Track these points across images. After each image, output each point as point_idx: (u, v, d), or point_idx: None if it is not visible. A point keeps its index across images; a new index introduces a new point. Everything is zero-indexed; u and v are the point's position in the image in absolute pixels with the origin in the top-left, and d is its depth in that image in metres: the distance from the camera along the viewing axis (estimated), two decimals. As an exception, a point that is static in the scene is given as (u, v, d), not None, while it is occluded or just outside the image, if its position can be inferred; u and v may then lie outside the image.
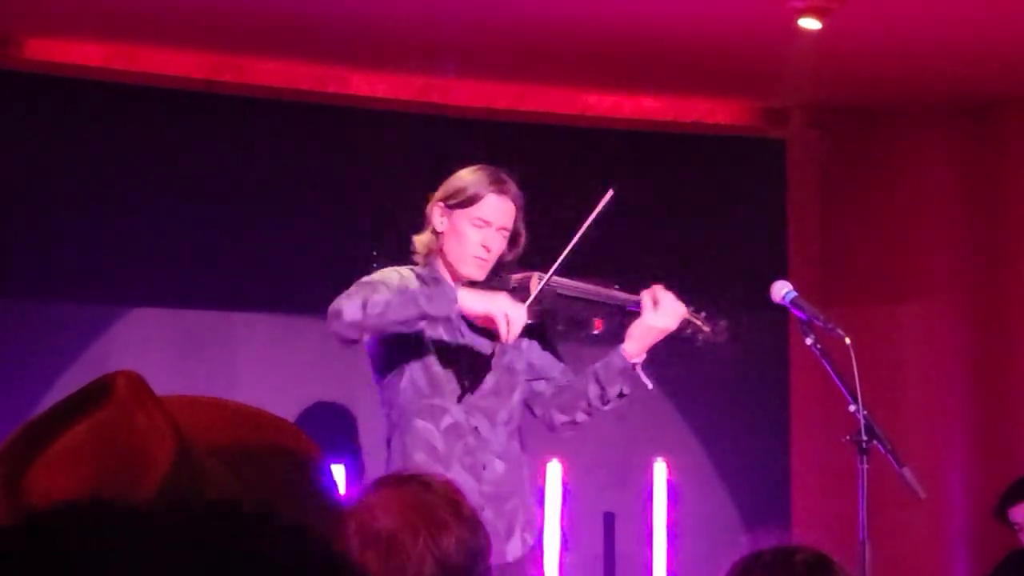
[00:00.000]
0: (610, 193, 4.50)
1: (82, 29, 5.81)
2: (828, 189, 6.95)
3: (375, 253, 6.31)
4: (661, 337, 4.46)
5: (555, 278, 4.45)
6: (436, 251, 4.50)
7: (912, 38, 5.79)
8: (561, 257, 4.42)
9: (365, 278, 4.39)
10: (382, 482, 2.28)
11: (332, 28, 5.71)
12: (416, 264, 4.53)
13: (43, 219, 5.86)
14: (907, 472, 4.45)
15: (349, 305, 4.20)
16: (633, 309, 4.47)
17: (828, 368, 4.51)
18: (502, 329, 4.20)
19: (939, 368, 6.75)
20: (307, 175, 6.25)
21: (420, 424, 4.39)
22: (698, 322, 4.52)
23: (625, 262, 6.00)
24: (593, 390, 4.48)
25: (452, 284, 4.36)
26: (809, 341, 4.56)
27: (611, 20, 5.61)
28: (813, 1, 5.28)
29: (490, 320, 4.23)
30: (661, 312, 4.42)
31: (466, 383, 4.43)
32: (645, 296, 4.44)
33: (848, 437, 4.48)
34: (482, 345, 4.48)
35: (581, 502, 6.25)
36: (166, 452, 1.02)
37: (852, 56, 6.00)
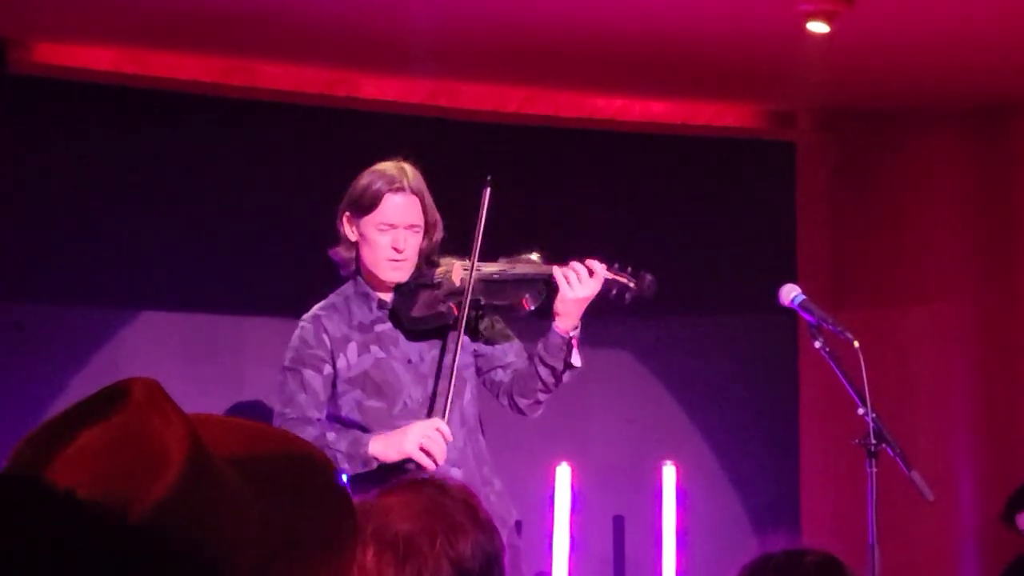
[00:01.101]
0: (487, 188, 4.43)
1: (91, 33, 5.82)
2: (837, 192, 6.95)
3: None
4: (586, 304, 4.39)
5: (477, 264, 4.40)
6: (355, 262, 4.48)
7: (920, 41, 5.78)
8: (474, 255, 4.37)
9: (287, 361, 4.39)
10: (397, 485, 2.28)
11: (341, 32, 5.72)
12: (344, 278, 4.51)
13: (53, 222, 5.87)
14: (916, 475, 4.45)
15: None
16: (556, 284, 4.41)
17: (837, 371, 4.51)
18: (425, 463, 4.18)
19: (948, 371, 6.75)
20: (316, 178, 6.25)
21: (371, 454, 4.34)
22: (623, 279, 4.45)
23: (632, 264, 5.99)
24: (543, 371, 4.43)
25: (364, 441, 4.30)
26: (818, 344, 4.56)
27: (619, 23, 5.61)
28: (821, 4, 5.29)
29: (410, 456, 4.21)
30: (575, 284, 4.36)
31: (406, 401, 4.39)
32: (556, 271, 4.38)
33: (857, 440, 4.48)
34: (420, 352, 4.45)
35: (590, 505, 6.25)
36: (180, 455, 1.03)
37: (861, 59, 6.00)
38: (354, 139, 6.30)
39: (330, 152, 6.27)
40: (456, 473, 4.37)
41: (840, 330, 4.54)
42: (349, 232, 4.46)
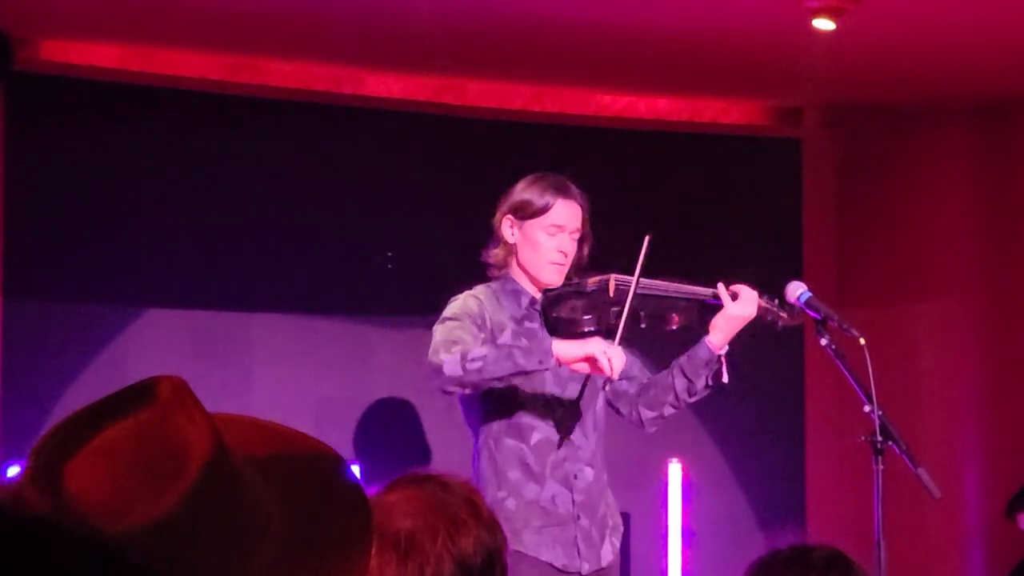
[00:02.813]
0: (647, 243, 4.55)
1: (97, 30, 5.83)
2: (843, 189, 6.95)
3: (390, 254, 6.34)
4: (742, 326, 4.57)
5: (640, 279, 4.54)
6: (510, 263, 4.58)
7: (927, 37, 5.78)
8: (639, 264, 4.49)
9: (448, 315, 4.44)
10: (400, 482, 2.28)
11: (347, 29, 5.72)
12: (491, 278, 4.61)
13: (58, 220, 5.87)
14: (922, 472, 4.45)
15: (449, 360, 4.28)
16: (712, 303, 4.59)
17: (843, 368, 4.51)
18: (605, 368, 4.28)
19: (954, 368, 6.74)
20: (322, 175, 6.26)
21: (510, 443, 4.48)
22: (774, 309, 4.65)
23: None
24: (680, 383, 4.58)
25: (545, 335, 4.43)
26: (824, 341, 4.56)
27: (626, 21, 5.61)
28: (828, 1, 5.28)
29: (592, 362, 4.31)
30: (741, 302, 4.55)
31: (552, 396, 4.49)
32: (721, 289, 4.58)
33: (863, 437, 4.48)
34: None
35: (596, 502, 6.25)
36: (203, 454, 1.03)
37: (867, 56, 6.00)
38: (361, 136, 6.31)
39: (337, 149, 6.27)
40: (588, 472, 4.55)
41: (846, 327, 4.54)
42: (509, 234, 4.55)
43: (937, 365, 6.76)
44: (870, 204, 6.92)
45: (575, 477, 4.52)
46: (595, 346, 4.31)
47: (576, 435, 4.54)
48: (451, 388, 4.34)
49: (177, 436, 1.04)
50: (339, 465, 1.15)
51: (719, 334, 4.55)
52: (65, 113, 5.92)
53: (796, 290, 4.67)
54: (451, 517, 2.18)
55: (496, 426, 4.48)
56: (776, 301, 4.67)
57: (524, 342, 4.40)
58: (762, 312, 4.60)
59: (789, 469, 6.75)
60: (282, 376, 6.10)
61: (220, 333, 6.08)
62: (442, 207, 6.24)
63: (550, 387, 4.48)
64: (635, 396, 4.63)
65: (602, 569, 4.52)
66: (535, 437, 4.48)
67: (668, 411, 4.65)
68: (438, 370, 4.29)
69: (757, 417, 6.69)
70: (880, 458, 4.44)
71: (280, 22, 5.65)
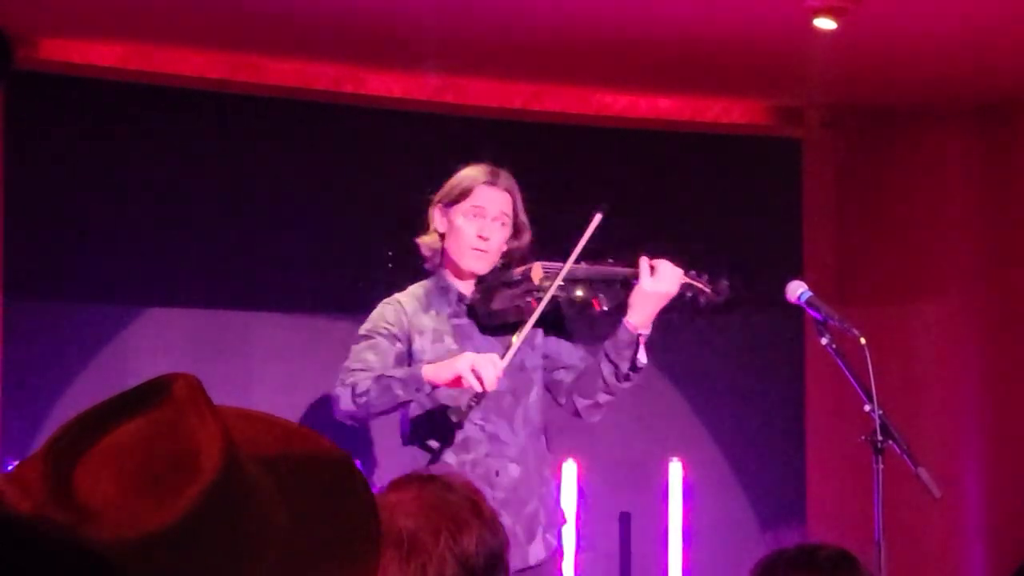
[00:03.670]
0: (598, 216, 4.49)
1: (98, 29, 5.83)
2: (844, 189, 6.95)
3: (391, 253, 6.33)
4: (663, 303, 4.45)
5: (554, 265, 4.46)
6: (441, 254, 4.54)
7: (928, 37, 5.78)
8: (563, 273, 4.43)
9: (363, 331, 4.43)
10: (402, 481, 2.28)
11: (348, 28, 5.72)
12: (427, 269, 4.57)
13: (58, 219, 5.87)
14: (922, 472, 4.45)
15: (343, 395, 4.31)
16: (635, 281, 4.47)
17: (843, 368, 4.51)
18: (473, 385, 4.19)
19: (955, 368, 6.74)
20: (322, 175, 6.26)
21: (432, 444, 4.41)
22: (699, 284, 4.52)
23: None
24: (607, 368, 4.46)
25: (419, 365, 4.33)
26: (824, 341, 4.56)
27: (626, 20, 5.61)
28: (829, 1, 5.28)
29: (459, 382, 4.22)
30: (658, 277, 4.43)
31: (474, 395, 4.36)
32: (643, 263, 4.45)
33: (863, 437, 4.48)
34: (492, 347, 4.46)
35: (597, 502, 6.25)
36: (214, 458, 1.03)
37: (868, 56, 5.99)
38: (361, 135, 6.31)
39: (337, 148, 6.27)
40: (514, 469, 4.44)
41: (847, 327, 4.53)
42: (439, 223, 4.54)
43: (937, 365, 6.76)
44: (871, 204, 6.92)
45: (497, 474, 4.41)
46: (461, 365, 4.21)
47: (502, 430, 4.44)
48: (349, 421, 4.36)
49: (189, 439, 1.04)
50: (349, 466, 1.14)
51: (636, 313, 4.42)
52: (66, 112, 5.91)
53: (797, 289, 4.67)
54: (454, 517, 2.17)
55: (422, 427, 4.41)
56: (706, 277, 4.54)
57: (400, 370, 4.31)
58: (683, 288, 4.47)
59: (789, 468, 6.75)
60: (283, 376, 6.10)
61: (221, 332, 6.08)
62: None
63: (421, 398, 4.37)
64: (570, 385, 4.54)
65: (530, 568, 4.41)
66: (458, 436, 4.41)
67: (603, 398, 4.52)
68: (335, 401, 4.33)
69: (758, 416, 6.69)
70: (880, 457, 4.44)
71: (281, 21, 5.65)
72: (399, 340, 4.42)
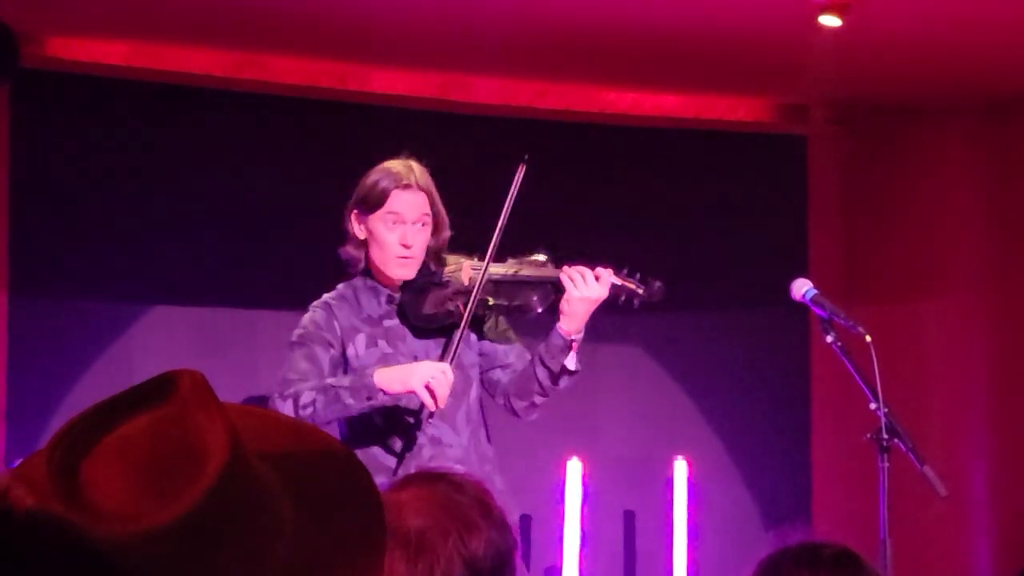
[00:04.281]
0: (522, 168, 4.41)
1: (104, 27, 5.83)
2: (849, 186, 6.94)
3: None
4: (593, 308, 4.36)
5: (488, 264, 4.38)
6: (365, 259, 4.47)
7: (933, 34, 5.77)
8: (492, 246, 4.35)
9: (295, 338, 4.37)
10: (411, 480, 2.27)
11: (353, 26, 5.72)
12: (355, 275, 4.50)
13: (64, 216, 5.88)
14: (928, 470, 4.45)
15: (284, 407, 4.22)
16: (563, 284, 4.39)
17: (849, 366, 4.51)
18: (427, 402, 4.17)
19: (961, 365, 6.73)
20: (327, 172, 6.26)
21: (374, 450, 4.34)
22: (631, 285, 4.42)
23: (645, 259, 5.99)
24: (541, 372, 4.40)
25: (368, 372, 4.27)
26: (830, 339, 4.55)
27: (632, 17, 5.60)
28: (834, -2, 5.28)
29: (414, 393, 4.20)
30: (584, 285, 4.34)
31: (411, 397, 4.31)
32: (563, 274, 4.37)
33: (869, 435, 4.48)
34: (426, 349, 4.42)
35: (601, 500, 6.25)
36: (220, 453, 1.03)
37: (873, 52, 5.99)
38: (365, 133, 6.30)
39: (341, 146, 6.27)
40: (459, 470, 4.34)
41: (852, 324, 4.53)
42: (357, 230, 4.46)
43: (943, 362, 6.75)
44: (876, 201, 6.91)
45: None
46: (416, 380, 4.18)
47: (445, 433, 4.38)
48: None
49: (195, 435, 1.04)
50: (353, 461, 1.14)
51: (567, 319, 4.36)
52: (71, 110, 5.92)
53: (802, 287, 4.67)
54: (463, 518, 2.17)
55: (361, 431, 4.34)
56: (636, 276, 4.44)
57: (346, 378, 4.26)
58: (615, 291, 4.39)
59: (795, 466, 6.75)
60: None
61: (226, 330, 6.08)
62: (446, 204, 6.23)
63: (373, 405, 4.30)
64: (506, 385, 4.48)
65: None
66: (399, 443, 4.35)
67: (538, 400, 4.45)
68: None
69: (763, 414, 6.69)
70: (886, 456, 4.44)
71: (286, 19, 5.65)
72: (332, 345, 4.36)
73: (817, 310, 4.63)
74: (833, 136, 6.91)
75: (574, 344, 4.38)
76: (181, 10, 5.58)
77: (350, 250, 4.50)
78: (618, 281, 4.40)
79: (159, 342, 5.94)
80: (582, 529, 5.86)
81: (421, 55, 6.01)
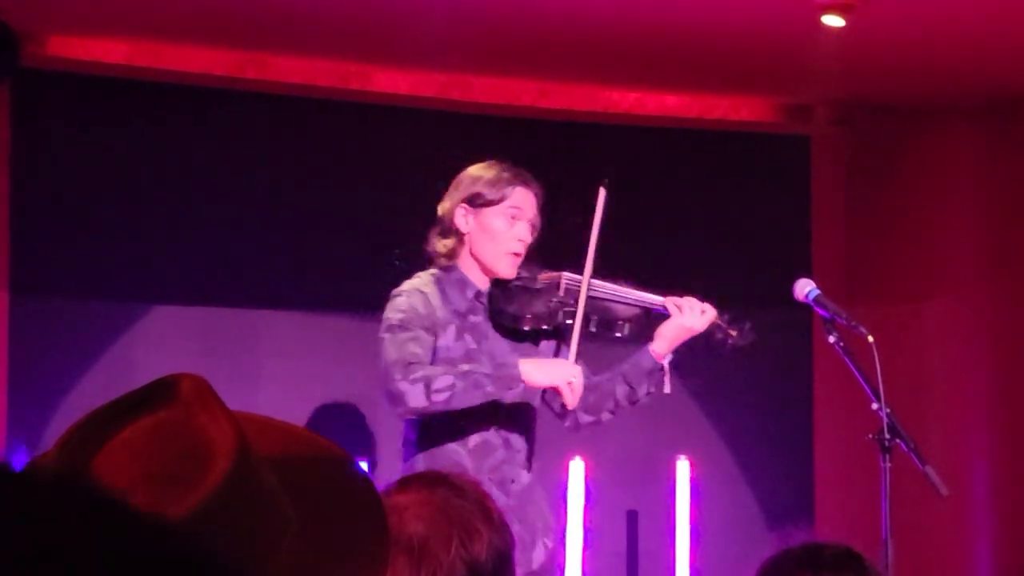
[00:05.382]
0: (603, 191, 4.47)
1: (105, 26, 5.83)
2: (852, 186, 6.93)
3: (397, 251, 6.33)
4: (688, 337, 4.47)
5: (591, 281, 4.45)
6: (460, 253, 4.45)
7: (936, 34, 5.77)
8: (589, 260, 4.42)
9: (396, 321, 4.28)
10: (411, 482, 2.26)
11: (354, 25, 5.72)
12: (434, 267, 4.49)
13: (65, 216, 5.87)
14: (930, 470, 4.44)
15: (412, 391, 4.15)
16: (659, 311, 4.48)
17: (851, 366, 4.50)
18: (568, 399, 4.25)
19: (963, 366, 6.73)
20: (328, 172, 6.26)
21: (450, 447, 4.35)
22: (726, 327, 4.54)
23: (648, 260, 5.99)
24: (621, 390, 4.47)
25: (511, 361, 4.31)
26: (832, 339, 4.55)
27: (634, 17, 5.60)
28: (836, -2, 5.28)
29: (555, 390, 4.27)
30: (692, 314, 4.44)
31: (493, 400, 4.33)
32: (669, 302, 4.47)
33: (871, 435, 4.47)
34: (503, 353, 4.43)
35: (604, 500, 6.25)
36: (228, 453, 1.02)
37: (876, 52, 5.98)
38: (367, 132, 6.31)
39: (343, 145, 6.27)
40: (524, 476, 4.44)
41: (854, 325, 4.52)
42: (462, 223, 4.42)
43: (946, 363, 6.75)
44: (879, 201, 6.91)
45: (512, 481, 4.39)
46: (561, 377, 4.24)
47: (515, 438, 4.41)
48: (414, 417, 4.25)
49: (201, 435, 1.04)
50: (352, 466, 1.14)
51: (663, 342, 4.44)
52: (72, 109, 5.91)
53: (804, 287, 4.66)
54: (464, 523, 2.17)
55: (435, 427, 4.33)
56: (726, 317, 4.54)
57: (487, 366, 4.26)
58: (712, 328, 4.49)
59: (797, 466, 6.74)
60: (289, 374, 6.10)
61: (227, 330, 6.08)
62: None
63: (509, 396, 4.34)
64: None
65: (532, 572, 4.40)
66: (474, 440, 4.35)
67: (606, 416, 4.54)
68: (398, 399, 4.17)
69: (765, 414, 6.68)
70: (888, 456, 4.43)
71: (287, 18, 5.65)
72: (431, 331, 4.33)
73: (819, 310, 4.62)
74: (836, 136, 6.91)
75: (665, 367, 4.46)
76: (182, 9, 5.58)
77: (446, 242, 4.45)
78: (717, 321, 4.50)
79: (161, 342, 5.94)
80: (585, 529, 5.85)
81: (423, 55, 6.01)
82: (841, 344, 4.53)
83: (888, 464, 4.44)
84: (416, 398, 4.14)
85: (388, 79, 6.33)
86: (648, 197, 6.61)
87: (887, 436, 4.43)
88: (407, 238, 6.28)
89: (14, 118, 5.79)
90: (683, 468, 6.28)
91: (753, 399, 6.65)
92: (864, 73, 6.29)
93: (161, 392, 1.07)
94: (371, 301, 6.58)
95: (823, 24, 5.41)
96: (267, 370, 6.10)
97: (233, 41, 6.01)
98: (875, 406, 4.45)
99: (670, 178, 6.72)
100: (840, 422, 6.60)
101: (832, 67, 6.09)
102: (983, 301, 6.71)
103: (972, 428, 6.67)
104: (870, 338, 4.44)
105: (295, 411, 5.78)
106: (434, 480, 2.27)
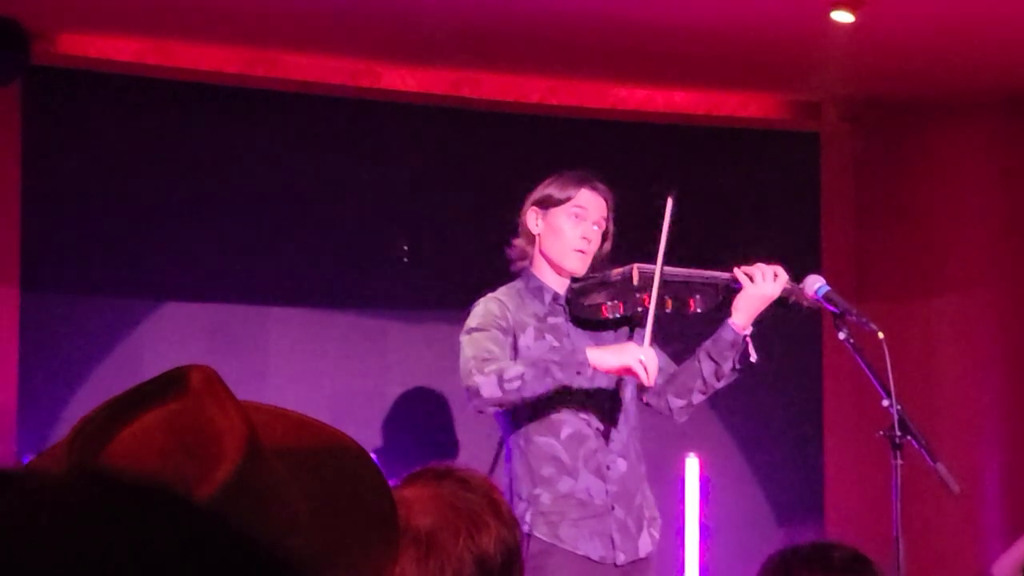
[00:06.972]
0: (670, 201, 4.61)
1: (114, 24, 5.83)
2: (862, 183, 6.92)
3: (406, 247, 6.34)
4: (765, 306, 4.57)
5: (663, 266, 4.55)
6: (532, 256, 4.60)
7: (946, 30, 5.75)
8: (660, 255, 4.51)
9: (474, 325, 4.44)
10: (418, 476, 2.26)
11: (364, 23, 5.72)
12: (514, 273, 4.64)
13: (75, 213, 5.88)
14: (941, 467, 4.43)
15: (485, 382, 4.32)
16: (734, 286, 4.60)
17: (861, 363, 4.50)
18: (642, 376, 4.33)
19: (973, 362, 6.72)
20: (339, 169, 6.26)
21: (540, 440, 4.49)
22: (799, 288, 4.64)
23: (655, 256, 5.97)
24: (707, 367, 4.57)
25: (579, 347, 4.44)
26: (842, 335, 4.55)
27: (643, 14, 5.59)
28: (846, -6, 5.27)
29: (628, 371, 4.36)
30: (763, 281, 4.55)
31: (581, 390, 4.47)
32: (739, 271, 4.59)
33: (881, 432, 4.46)
34: (584, 347, 4.52)
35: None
36: (239, 444, 1.03)
37: (886, 49, 5.97)
38: (377, 129, 6.31)
39: (353, 142, 6.27)
40: (621, 463, 4.57)
41: (865, 321, 4.52)
42: (533, 225, 4.59)
43: (956, 359, 6.74)
44: (889, 198, 6.90)
45: (608, 468, 4.52)
46: (630, 356, 4.34)
47: (607, 428, 4.55)
48: (490, 408, 4.40)
49: (211, 426, 1.04)
50: (364, 458, 1.14)
51: (742, 314, 4.55)
52: (82, 107, 5.92)
53: (814, 284, 4.66)
54: (472, 517, 2.16)
55: (525, 424, 4.49)
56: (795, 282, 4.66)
57: (556, 354, 4.42)
58: (785, 292, 4.59)
59: (807, 464, 6.73)
60: (298, 370, 6.10)
61: (236, 327, 6.08)
62: (457, 200, 6.23)
63: (579, 381, 4.47)
64: (663, 386, 4.61)
65: (640, 560, 4.54)
66: (565, 431, 4.50)
67: (697, 398, 4.64)
68: (475, 392, 4.34)
69: (775, 411, 6.67)
70: (898, 453, 4.43)
71: (297, 16, 5.65)
72: (508, 333, 4.50)
73: (829, 307, 4.62)
74: (846, 133, 6.89)
75: (748, 338, 4.54)
76: (192, 7, 5.58)
77: (521, 245, 4.63)
78: (788, 285, 4.59)
79: (170, 339, 5.94)
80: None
81: (432, 52, 6.01)
82: (851, 340, 4.52)
83: (899, 461, 4.43)
84: (490, 389, 4.31)
85: (397, 76, 6.33)
86: (657, 194, 6.59)
87: (898, 433, 4.42)
88: (415, 234, 6.29)
89: (24, 116, 5.79)
90: (692, 465, 6.28)
91: (763, 396, 6.63)
92: (874, 69, 6.28)
93: (171, 384, 1.07)
94: (379, 297, 6.59)
95: (832, 20, 5.40)
96: (275, 366, 6.10)
97: (242, 39, 6.01)
98: (885, 403, 4.44)
99: (679, 175, 6.70)
100: (850, 419, 6.59)
101: (842, 63, 6.08)
102: (994, 297, 6.70)
103: (983, 424, 6.66)
104: (880, 334, 4.43)
105: (303, 407, 5.76)
106: (441, 473, 2.26)
